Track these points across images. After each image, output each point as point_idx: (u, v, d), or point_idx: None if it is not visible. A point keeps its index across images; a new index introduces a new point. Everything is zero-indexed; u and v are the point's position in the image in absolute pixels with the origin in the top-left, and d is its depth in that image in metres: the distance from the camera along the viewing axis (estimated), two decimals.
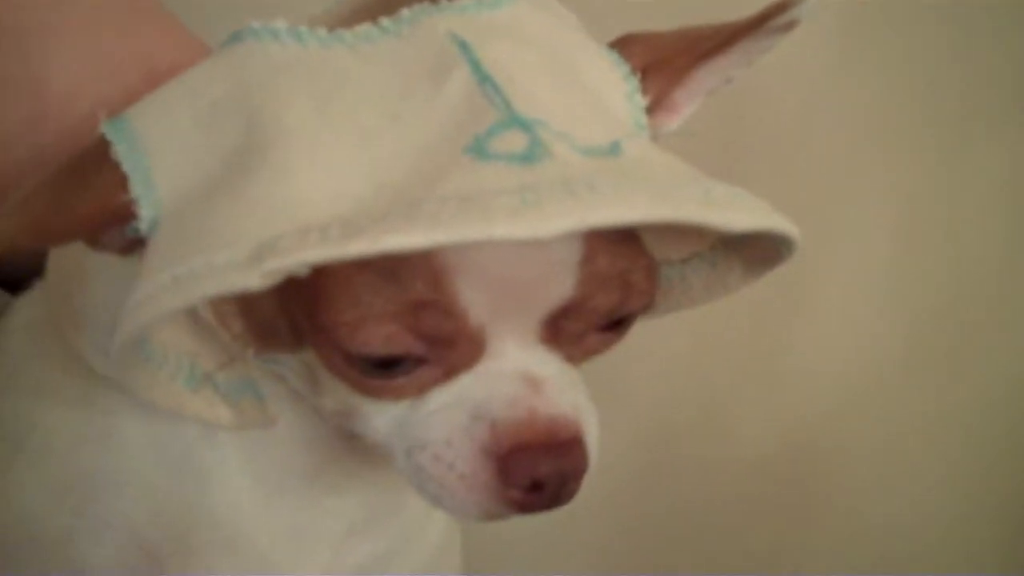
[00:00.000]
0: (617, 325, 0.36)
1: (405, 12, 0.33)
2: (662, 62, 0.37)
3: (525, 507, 0.34)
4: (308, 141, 0.30)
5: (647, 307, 0.36)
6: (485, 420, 0.33)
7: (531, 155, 0.29)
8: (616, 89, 0.36)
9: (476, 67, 0.32)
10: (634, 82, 0.36)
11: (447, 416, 0.34)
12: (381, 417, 0.35)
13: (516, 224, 0.26)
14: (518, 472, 0.33)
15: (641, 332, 0.38)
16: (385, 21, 0.33)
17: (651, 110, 0.37)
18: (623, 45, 0.37)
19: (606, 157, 0.31)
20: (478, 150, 0.29)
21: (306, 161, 0.30)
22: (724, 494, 0.90)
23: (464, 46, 0.32)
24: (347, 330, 0.31)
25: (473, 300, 0.31)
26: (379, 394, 0.35)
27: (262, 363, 0.37)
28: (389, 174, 0.30)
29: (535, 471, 0.33)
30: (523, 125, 0.30)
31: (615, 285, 0.33)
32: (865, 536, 0.95)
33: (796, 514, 0.93)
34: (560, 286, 0.32)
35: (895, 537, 0.95)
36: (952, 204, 0.92)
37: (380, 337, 0.31)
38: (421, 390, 0.34)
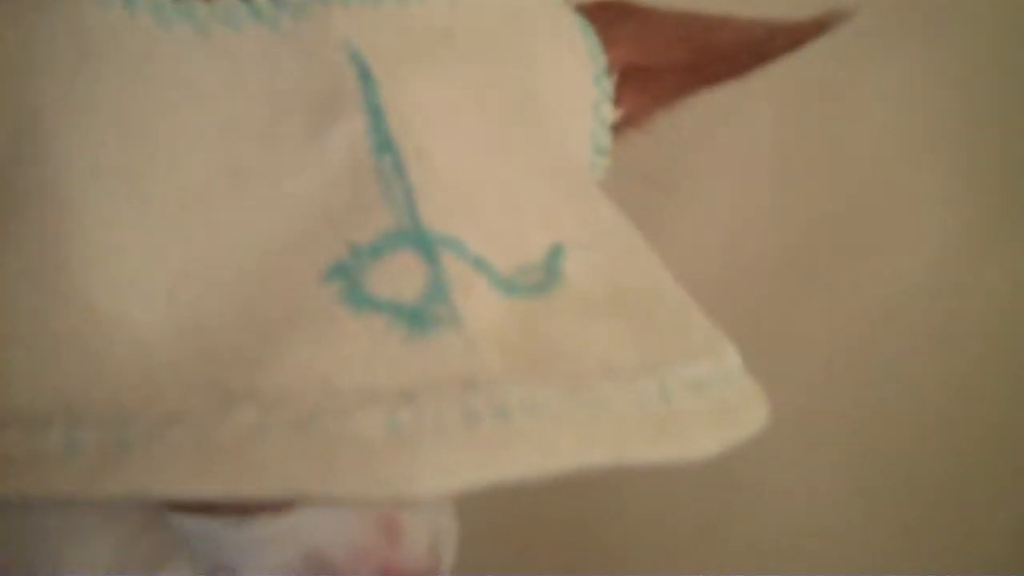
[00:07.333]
0: None
1: None
2: (650, 72, 0.28)
3: None
4: (106, 195, 0.21)
5: None
6: (322, 573, 0.25)
7: (424, 314, 0.20)
8: (581, 91, 0.28)
9: (377, 120, 0.22)
10: (605, 86, 0.28)
11: (273, 552, 0.25)
12: (185, 521, 0.27)
13: (370, 477, 0.18)
14: None
15: None
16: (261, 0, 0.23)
17: (618, 127, 0.28)
18: (605, 23, 0.28)
19: (536, 296, 0.22)
20: (349, 284, 0.20)
21: (97, 237, 0.20)
22: None
23: (366, 78, 0.23)
24: None
25: None
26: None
27: None
28: (204, 299, 0.20)
29: None
30: (425, 247, 0.21)
31: None
32: None
33: None
34: None
35: None
36: None
37: None
38: (243, 511, 0.25)
